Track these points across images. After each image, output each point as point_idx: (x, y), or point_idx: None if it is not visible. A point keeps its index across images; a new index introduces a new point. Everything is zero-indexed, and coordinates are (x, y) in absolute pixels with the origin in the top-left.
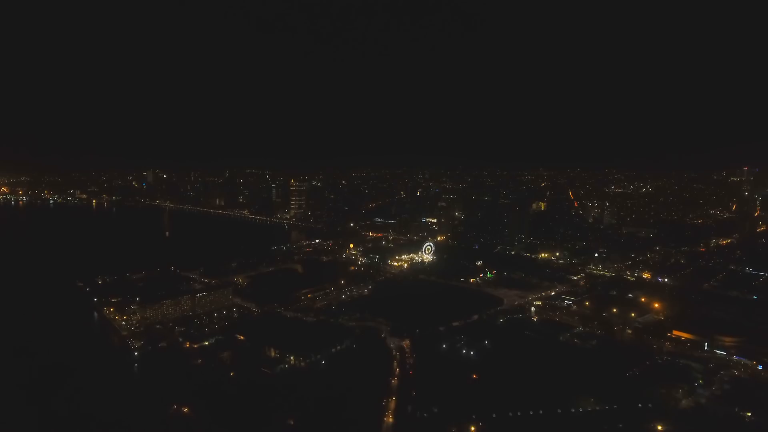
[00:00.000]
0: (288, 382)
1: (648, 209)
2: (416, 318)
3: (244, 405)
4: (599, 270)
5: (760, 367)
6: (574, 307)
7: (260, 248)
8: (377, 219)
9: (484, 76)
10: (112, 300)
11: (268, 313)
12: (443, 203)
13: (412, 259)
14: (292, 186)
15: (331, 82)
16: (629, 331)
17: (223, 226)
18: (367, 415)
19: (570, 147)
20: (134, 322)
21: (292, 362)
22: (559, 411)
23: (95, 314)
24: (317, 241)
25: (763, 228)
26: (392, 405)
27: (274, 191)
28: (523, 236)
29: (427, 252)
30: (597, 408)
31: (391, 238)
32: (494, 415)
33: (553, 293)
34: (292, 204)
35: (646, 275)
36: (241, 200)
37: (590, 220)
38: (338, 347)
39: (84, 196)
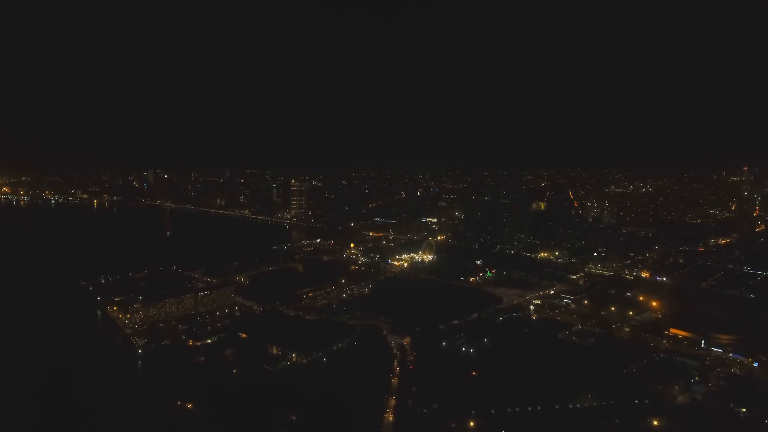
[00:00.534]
0: (290, 379)
1: (648, 209)
2: (416, 316)
3: (247, 401)
4: (598, 269)
5: (755, 365)
6: (573, 305)
7: (261, 248)
8: (378, 219)
9: (484, 76)
10: (116, 299)
11: (269, 311)
12: (443, 203)
13: (412, 258)
14: (293, 186)
15: (331, 82)
16: (627, 329)
17: (224, 226)
18: (368, 411)
19: (570, 147)
20: (138, 320)
21: (293, 360)
22: (557, 407)
23: (99, 313)
24: (318, 240)
25: (762, 228)
26: (393, 401)
27: (274, 191)
28: (522, 236)
29: (427, 250)
30: (594, 404)
31: (391, 237)
32: (493, 411)
33: (552, 292)
34: (293, 204)
35: (644, 274)
36: (241, 200)
37: (590, 220)
38: (339, 345)
39: (85, 196)
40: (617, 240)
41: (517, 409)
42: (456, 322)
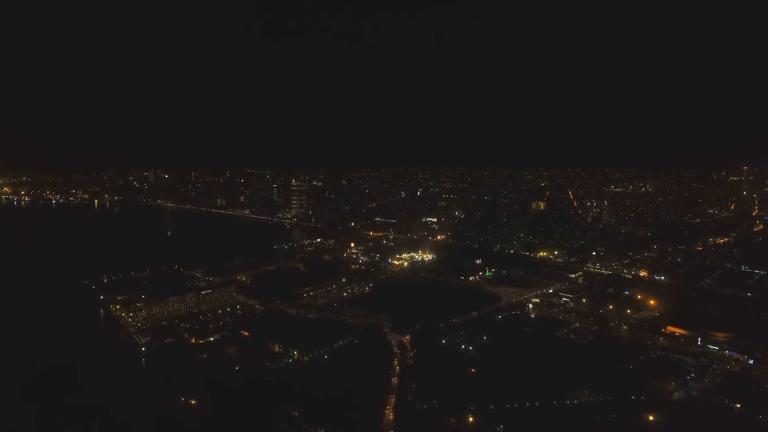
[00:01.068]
0: (291, 376)
1: (647, 209)
2: (416, 315)
3: (249, 397)
4: (597, 268)
5: (751, 362)
6: (572, 304)
7: (262, 247)
8: (378, 218)
9: (484, 75)
10: (118, 298)
11: (271, 310)
12: (443, 203)
13: (412, 257)
14: (294, 186)
15: (331, 82)
16: (625, 327)
17: (224, 225)
18: (368, 407)
19: (570, 147)
20: (141, 318)
21: (295, 357)
22: (554, 403)
23: (102, 311)
24: (318, 240)
25: (761, 227)
26: (393, 398)
27: (275, 191)
28: (522, 235)
29: (427, 250)
30: (591, 400)
31: (391, 237)
32: (492, 407)
33: (551, 291)
34: (294, 204)
35: (643, 273)
36: (242, 200)
37: (589, 220)
38: (340, 343)
39: (86, 196)
40: (616, 239)
41: (516, 405)
42: (456, 320)
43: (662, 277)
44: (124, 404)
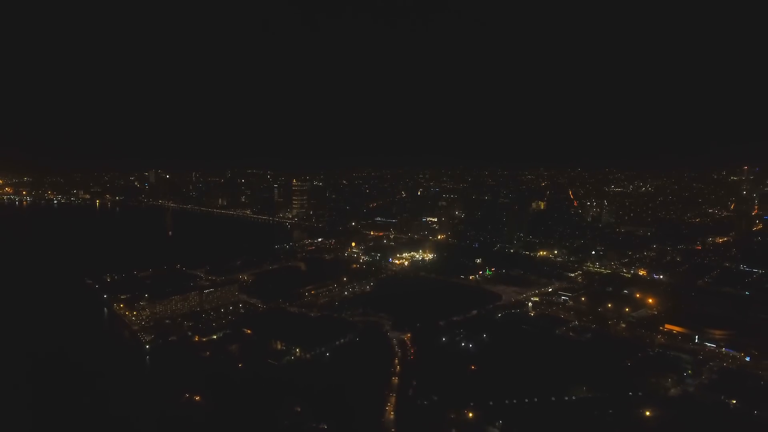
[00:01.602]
0: (294, 373)
1: (647, 208)
2: (417, 313)
3: (252, 394)
4: (596, 267)
5: (747, 359)
6: (571, 302)
7: (263, 247)
8: (378, 218)
9: (484, 75)
10: (122, 297)
11: (273, 308)
12: (443, 203)
13: (412, 257)
14: (294, 186)
15: (331, 82)
16: (623, 325)
17: (225, 225)
18: (370, 403)
19: (570, 147)
20: (144, 317)
21: (297, 354)
22: (553, 398)
23: (105, 310)
24: (319, 239)
25: (759, 227)
26: (394, 394)
27: (276, 191)
28: (522, 235)
29: (428, 249)
30: (589, 396)
31: (392, 236)
32: (491, 403)
33: (550, 290)
34: (294, 203)
35: (642, 272)
36: (243, 200)
37: (589, 219)
38: (342, 340)
39: (87, 196)
40: (616, 239)
41: (515, 401)
42: (456, 318)
43: (661, 276)
44: (130, 400)
